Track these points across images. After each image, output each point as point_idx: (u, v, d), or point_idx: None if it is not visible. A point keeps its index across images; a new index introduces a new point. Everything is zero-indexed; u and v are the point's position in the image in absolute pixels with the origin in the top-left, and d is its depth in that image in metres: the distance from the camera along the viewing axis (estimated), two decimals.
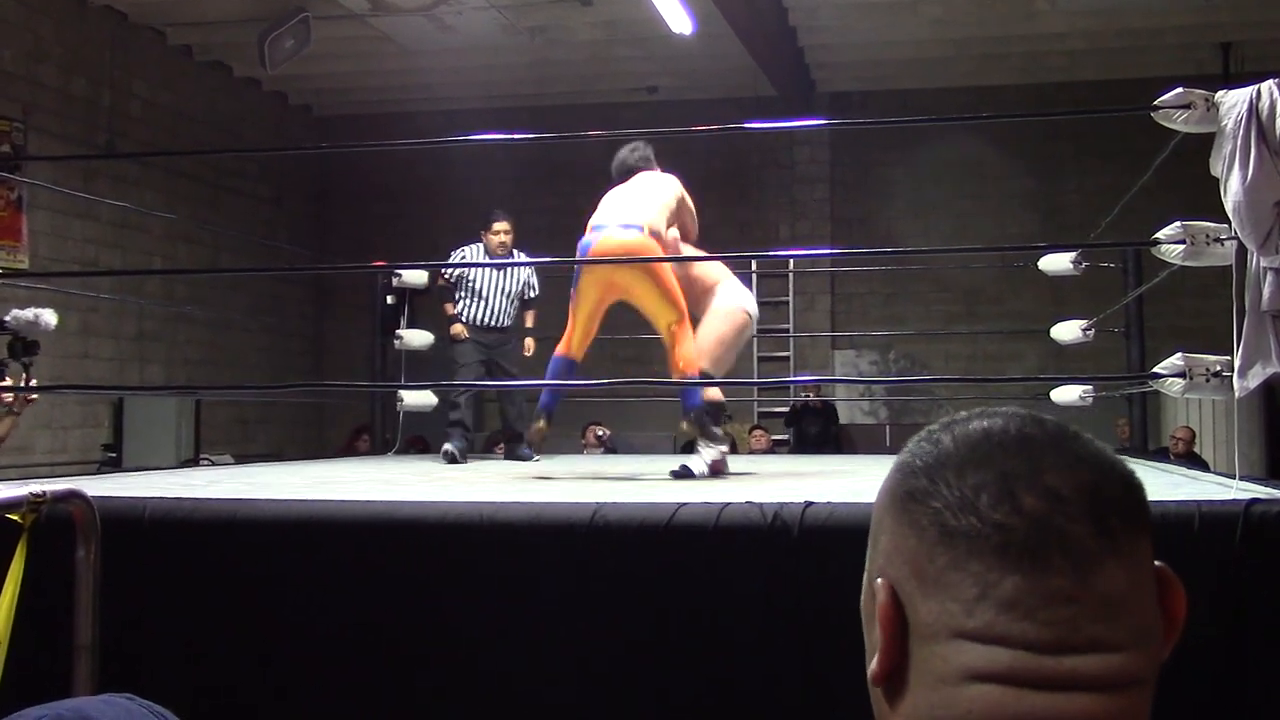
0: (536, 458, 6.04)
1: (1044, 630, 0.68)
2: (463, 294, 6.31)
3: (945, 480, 0.72)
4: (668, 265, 4.45)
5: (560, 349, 4.66)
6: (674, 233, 4.69)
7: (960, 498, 0.71)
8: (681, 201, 4.77)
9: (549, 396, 4.62)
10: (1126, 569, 0.69)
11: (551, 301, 6.18)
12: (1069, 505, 0.69)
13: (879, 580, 0.74)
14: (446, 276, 6.35)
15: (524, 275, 6.38)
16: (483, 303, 6.28)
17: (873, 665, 0.74)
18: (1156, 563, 0.73)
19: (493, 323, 6.29)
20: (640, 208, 4.53)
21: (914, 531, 0.72)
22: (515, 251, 6.37)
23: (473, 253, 6.39)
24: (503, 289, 6.30)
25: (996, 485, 0.70)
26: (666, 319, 4.42)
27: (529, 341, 6.45)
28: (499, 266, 6.29)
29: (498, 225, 6.25)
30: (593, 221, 4.57)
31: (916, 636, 0.72)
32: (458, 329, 6.26)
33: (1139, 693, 0.69)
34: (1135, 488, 0.73)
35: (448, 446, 5.97)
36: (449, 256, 6.47)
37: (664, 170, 4.96)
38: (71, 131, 9.03)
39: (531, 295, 6.47)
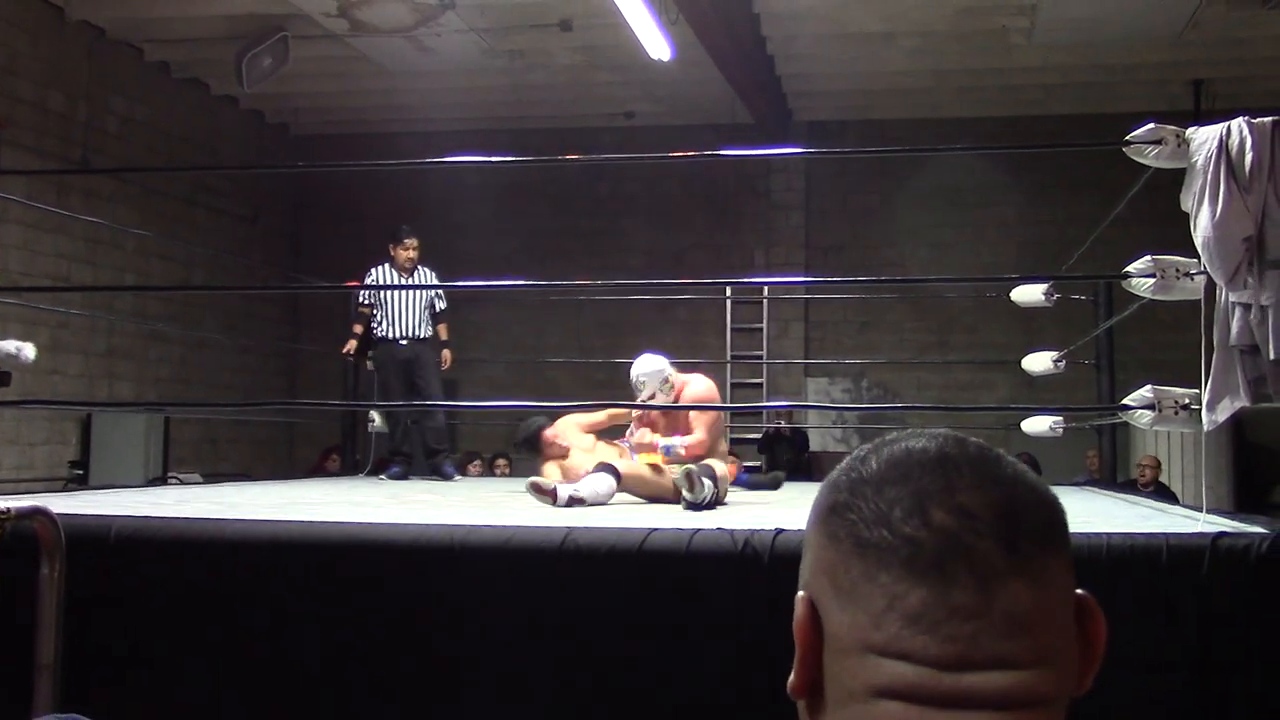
0: (458, 476, 6.74)
1: (946, 646, 0.68)
2: (379, 312, 6.70)
3: (864, 495, 0.73)
4: None
5: None
6: None
7: (875, 511, 0.72)
8: None
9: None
10: (1034, 588, 0.70)
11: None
12: (978, 523, 0.70)
13: (800, 593, 0.75)
14: (365, 301, 6.78)
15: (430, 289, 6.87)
16: (399, 317, 6.65)
17: (791, 677, 0.75)
18: (1079, 590, 0.73)
19: (410, 334, 6.69)
20: None
21: (832, 544, 0.73)
22: (420, 268, 6.80)
23: (381, 271, 6.76)
24: (415, 300, 6.71)
25: (910, 500, 0.71)
26: None
27: (446, 354, 6.87)
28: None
29: (409, 241, 6.70)
30: None
31: (830, 650, 0.73)
32: (352, 346, 6.77)
33: (1045, 713, 0.69)
34: (1052, 509, 0.73)
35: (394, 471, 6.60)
36: (363, 278, 6.83)
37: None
38: (46, 146, 8.98)
39: (441, 308, 6.86)
